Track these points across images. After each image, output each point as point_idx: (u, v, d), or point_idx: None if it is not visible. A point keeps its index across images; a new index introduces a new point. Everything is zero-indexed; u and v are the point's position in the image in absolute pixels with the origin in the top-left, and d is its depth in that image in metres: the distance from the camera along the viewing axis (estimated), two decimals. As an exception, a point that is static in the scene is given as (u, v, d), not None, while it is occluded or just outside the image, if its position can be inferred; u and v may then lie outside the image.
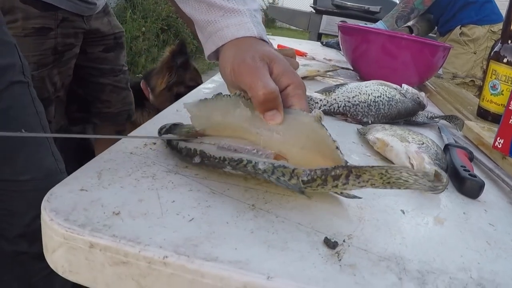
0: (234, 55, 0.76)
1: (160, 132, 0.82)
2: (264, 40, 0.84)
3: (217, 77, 1.49)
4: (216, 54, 0.86)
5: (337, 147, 0.65)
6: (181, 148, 0.73)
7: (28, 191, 1.15)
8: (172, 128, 0.82)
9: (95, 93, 2.18)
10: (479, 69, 3.16)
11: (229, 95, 0.74)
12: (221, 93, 0.74)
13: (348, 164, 0.62)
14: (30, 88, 1.19)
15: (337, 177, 0.61)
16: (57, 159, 1.25)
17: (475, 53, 3.15)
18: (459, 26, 3.16)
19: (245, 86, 0.71)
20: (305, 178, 0.61)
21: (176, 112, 1.04)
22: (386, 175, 0.59)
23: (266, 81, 0.70)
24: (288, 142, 0.69)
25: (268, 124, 0.70)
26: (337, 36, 3.12)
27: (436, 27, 3.51)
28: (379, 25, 2.80)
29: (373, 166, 0.60)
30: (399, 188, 0.60)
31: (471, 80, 3.17)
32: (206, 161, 0.69)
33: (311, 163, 0.65)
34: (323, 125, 0.67)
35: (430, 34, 3.74)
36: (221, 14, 0.83)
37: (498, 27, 3.06)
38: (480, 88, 2.92)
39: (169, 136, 0.79)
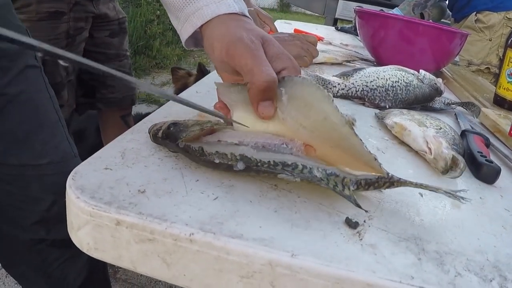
0: (225, 33, 0.72)
1: (156, 135, 0.73)
2: (247, 16, 0.79)
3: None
4: (194, 40, 0.83)
5: (375, 159, 0.64)
6: (210, 153, 0.65)
7: (46, 175, 1.15)
8: (174, 129, 0.71)
9: (100, 79, 2.18)
10: (494, 56, 3.13)
11: None
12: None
13: (390, 175, 0.64)
14: (42, 73, 1.19)
15: (379, 186, 0.65)
16: (71, 143, 1.25)
17: (490, 40, 3.12)
18: (474, 12, 3.13)
19: (243, 69, 0.67)
20: (352, 187, 0.62)
21: (196, 94, 1.04)
22: (423, 187, 0.65)
23: (269, 67, 0.66)
24: (317, 139, 0.66)
25: (294, 114, 0.66)
26: (351, 22, 3.12)
27: (450, 14, 3.49)
28: (396, 12, 2.79)
29: (412, 182, 0.65)
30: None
31: (486, 68, 3.14)
32: (254, 167, 0.63)
33: (342, 159, 0.65)
34: (355, 133, 0.64)
35: (444, 21, 3.71)
36: None
37: (514, 14, 3.04)
38: (496, 76, 2.91)
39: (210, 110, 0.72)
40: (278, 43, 0.73)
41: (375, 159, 0.64)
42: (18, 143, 1.11)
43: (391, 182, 0.64)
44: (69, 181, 0.59)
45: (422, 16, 3.13)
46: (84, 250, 0.58)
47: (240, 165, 0.62)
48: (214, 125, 0.72)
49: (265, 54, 0.69)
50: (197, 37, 0.82)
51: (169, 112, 0.87)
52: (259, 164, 0.62)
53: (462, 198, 0.62)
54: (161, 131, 0.72)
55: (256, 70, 0.64)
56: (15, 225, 1.19)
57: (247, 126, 0.69)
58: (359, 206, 0.60)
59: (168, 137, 0.70)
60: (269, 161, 0.61)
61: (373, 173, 0.64)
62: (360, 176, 0.63)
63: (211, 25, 0.75)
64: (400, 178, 0.64)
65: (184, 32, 0.80)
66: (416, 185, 0.65)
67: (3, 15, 1.07)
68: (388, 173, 0.64)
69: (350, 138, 0.64)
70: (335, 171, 0.61)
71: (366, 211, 0.62)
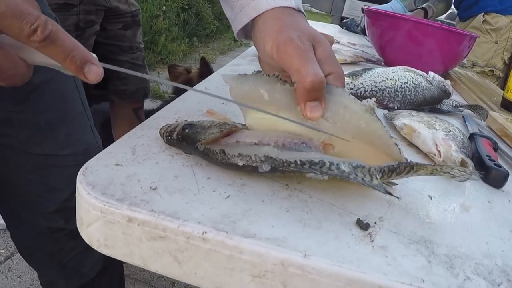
0: (278, 30, 0.70)
1: (170, 137, 0.71)
2: (302, 12, 0.78)
3: (237, 61, 1.50)
4: (244, 31, 0.82)
5: (396, 144, 0.65)
6: (232, 155, 0.63)
7: (68, 166, 1.14)
8: (191, 131, 0.69)
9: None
10: (499, 59, 3.11)
11: (269, 74, 0.68)
12: (261, 71, 0.70)
13: (409, 161, 0.64)
14: None
15: (400, 172, 0.64)
16: (95, 135, 1.26)
17: (496, 43, 3.10)
18: (482, 13, 3.12)
19: (291, 68, 0.65)
20: (378, 176, 0.62)
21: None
22: (438, 170, 0.64)
23: (317, 67, 0.64)
24: (339, 130, 0.65)
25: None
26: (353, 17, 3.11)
27: (455, 12, 3.47)
28: (395, 3, 2.78)
29: (430, 164, 0.64)
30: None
31: (490, 70, 3.13)
32: (280, 167, 0.61)
33: (362, 153, 0.65)
34: (378, 118, 0.65)
35: (449, 21, 3.69)
36: None
37: (522, 18, 3.03)
38: (499, 79, 2.91)
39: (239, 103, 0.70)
40: (329, 46, 0.72)
41: (396, 144, 0.65)
42: (41, 132, 1.11)
43: (410, 166, 0.63)
44: (79, 177, 0.59)
45: (426, 12, 3.12)
46: (94, 247, 0.58)
47: (266, 167, 0.61)
48: (233, 127, 0.71)
49: (316, 55, 0.68)
50: (247, 28, 0.81)
51: (179, 109, 0.88)
52: (285, 164, 0.60)
53: (475, 173, 0.64)
54: (175, 133, 0.70)
55: (303, 69, 0.63)
56: (34, 212, 1.19)
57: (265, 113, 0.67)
58: (390, 194, 0.61)
59: (184, 140, 0.69)
60: (295, 161, 0.60)
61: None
62: (382, 164, 0.63)
63: (264, 17, 0.75)
64: (417, 162, 0.64)
65: (238, 22, 0.80)
66: (433, 169, 0.64)
67: None
68: (406, 159, 0.65)
69: (371, 124, 0.64)
70: (360, 163, 0.61)
71: (398, 197, 0.64)
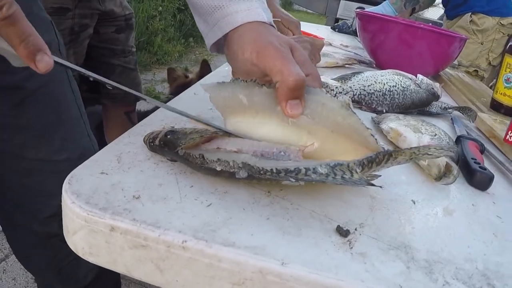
0: (256, 38, 0.74)
1: (153, 144, 0.72)
2: (274, 27, 0.82)
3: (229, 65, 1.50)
4: (216, 45, 0.85)
5: (372, 135, 0.66)
6: (211, 160, 0.64)
7: (63, 172, 1.13)
8: (172, 137, 0.71)
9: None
10: (484, 60, 3.11)
11: (246, 80, 0.71)
12: (239, 78, 0.71)
13: (387, 149, 0.65)
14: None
15: (379, 162, 0.64)
16: (91, 139, 1.26)
17: (482, 44, 3.10)
18: (470, 13, 3.12)
19: (273, 69, 0.68)
20: (358, 170, 0.62)
21: (194, 96, 1.05)
22: (416, 153, 0.64)
23: (298, 68, 0.68)
24: (318, 125, 0.68)
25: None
26: (347, 19, 3.11)
27: (444, 10, 3.46)
28: (386, 6, 2.78)
29: (408, 149, 0.64)
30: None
31: (475, 70, 3.14)
32: (257, 175, 0.62)
33: (341, 147, 0.67)
34: (353, 112, 0.67)
35: (437, 21, 3.68)
36: None
37: (508, 20, 3.00)
38: (483, 79, 2.92)
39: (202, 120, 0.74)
40: (304, 52, 0.76)
41: (372, 135, 0.66)
42: (36, 137, 1.11)
43: (389, 154, 0.64)
44: (65, 186, 0.60)
45: (413, 8, 3.11)
46: (80, 254, 0.58)
47: (243, 173, 0.62)
48: (213, 132, 0.72)
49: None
50: (219, 43, 0.84)
51: (166, 115, 0.88)
52: (261, 172, 0.61)
53: (452, 148, 0.66)
54: (158, 139, 0.71)
55: (286, 70, 0.67)
56: (30, 217, 1.19)
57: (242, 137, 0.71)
58: (373, 185, 0.62)
59: (166, 145, 0.70)
60: (271, 169, 0.61)
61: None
62: (361, 157, 0.64)
63: (240, 31, 0.78)
64: (395, 149, 0.64)
65: (212, 36, 0.83)
66: (411, 153, 0.64)
67: (29, 7, 1.06)
68: (384, 148, 0.65)
69: (347, 118, 0.66)
70: (337, 161, 0.62)
71: (380, 186, 0.66)
